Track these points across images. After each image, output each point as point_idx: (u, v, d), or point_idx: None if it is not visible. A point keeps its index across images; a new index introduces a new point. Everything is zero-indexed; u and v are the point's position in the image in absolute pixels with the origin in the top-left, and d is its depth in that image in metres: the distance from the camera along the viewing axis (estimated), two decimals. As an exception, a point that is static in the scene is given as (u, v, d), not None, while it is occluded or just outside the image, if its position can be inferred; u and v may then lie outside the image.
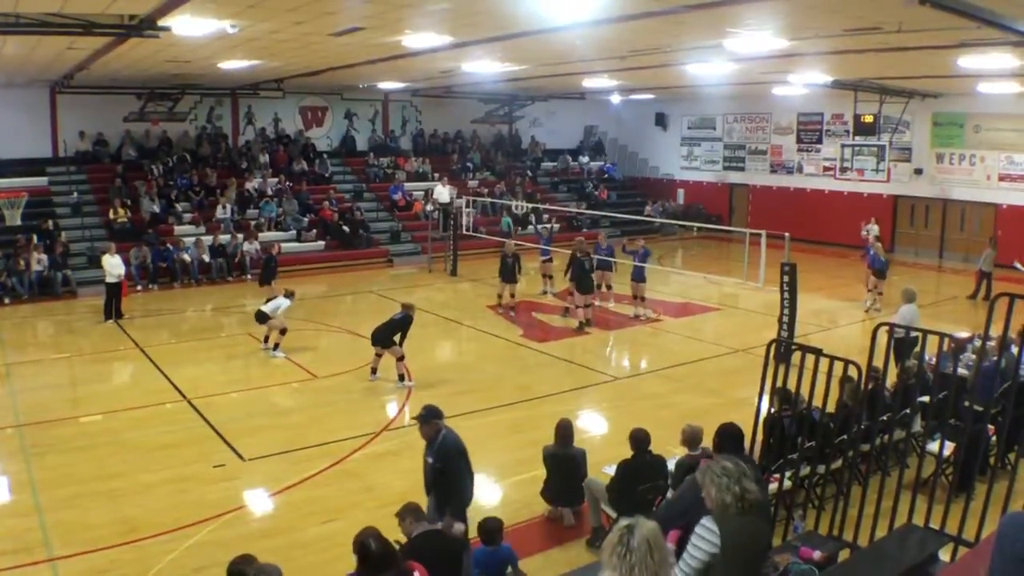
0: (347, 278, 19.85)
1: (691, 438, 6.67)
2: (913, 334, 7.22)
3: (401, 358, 11.28)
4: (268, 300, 13.25)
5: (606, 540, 2.99)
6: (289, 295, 13.06)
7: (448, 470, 5.92)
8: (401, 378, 11.28)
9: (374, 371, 11.44)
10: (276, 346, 12.79)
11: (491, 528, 5.75)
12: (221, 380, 11.62)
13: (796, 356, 6.30)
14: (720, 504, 3.33)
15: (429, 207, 23.61)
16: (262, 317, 12.79)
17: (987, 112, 20.69)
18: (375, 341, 11.25)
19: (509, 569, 5.76)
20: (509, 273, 15.79)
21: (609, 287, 16.49)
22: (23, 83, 19.54)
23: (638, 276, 15.25)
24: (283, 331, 12.84)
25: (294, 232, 21.33)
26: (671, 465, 6.90)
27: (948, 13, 8.27)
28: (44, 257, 17.36)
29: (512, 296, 16.06)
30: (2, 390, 11.10)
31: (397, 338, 11.20)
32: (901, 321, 9.93)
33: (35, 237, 17.95)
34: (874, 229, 20.33)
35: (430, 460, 5.98)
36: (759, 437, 6.51)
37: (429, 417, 6.01)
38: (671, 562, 3.03)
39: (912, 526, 5.74)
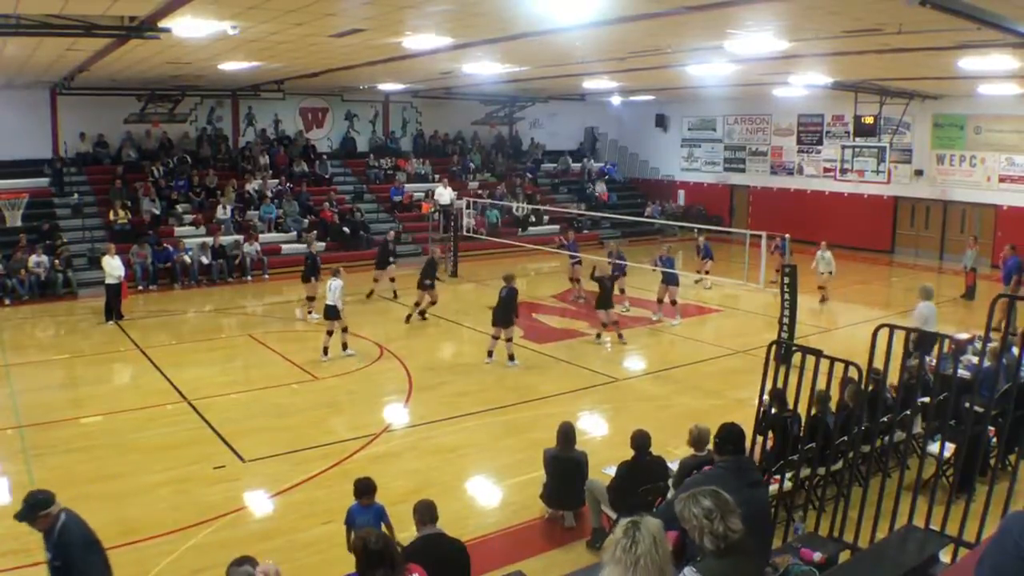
0: (347, 279, 19.69)
1: (698, 440, 6.68)
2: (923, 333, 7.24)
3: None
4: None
5: (610, 536, 2.99)
6: (336, 273, 12.93)
7: (72, 567, 4.62)
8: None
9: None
10: (344, 346, 12.78)
11: (365, 487, 6.04)
12: (221, 381, 11.62)
13: (796, 357, 6.30)
14: (700, 547, 3.23)
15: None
16: (332, 311, 12.56)
17: (987, 113, 20.68)
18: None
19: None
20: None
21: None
22: (24, 84, 19.55)
23: (673, 280, 15.15)
24: (345, 329, 12.82)
25: (294, 233, 21.32)
26: (672, 466, 6.91)
27: (948, 14, 8.28)
28: (44, 258, 17.36)
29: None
30: (3, 391, 11.10)
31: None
32: (918, 317, 9.99)
33: (35, 238, 17.94)
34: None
35: (49, 555, 4.71)
36: (758, 439, 6.51)
37: (35, 511, 4.65)
38: (672, 563, 3.02)
39: (913, 527, 5.74)
